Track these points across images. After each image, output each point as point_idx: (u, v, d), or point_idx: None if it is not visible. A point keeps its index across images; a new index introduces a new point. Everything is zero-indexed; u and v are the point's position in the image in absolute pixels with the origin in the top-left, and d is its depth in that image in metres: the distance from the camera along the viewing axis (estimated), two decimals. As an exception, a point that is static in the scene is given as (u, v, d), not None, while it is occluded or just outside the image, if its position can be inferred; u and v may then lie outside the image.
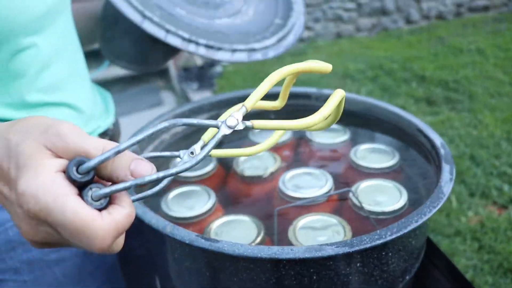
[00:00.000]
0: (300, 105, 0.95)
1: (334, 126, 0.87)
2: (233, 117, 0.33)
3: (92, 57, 0.96)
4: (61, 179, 0.32)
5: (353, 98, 0.88)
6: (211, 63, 4.44)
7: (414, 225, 0.51)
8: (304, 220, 0.62)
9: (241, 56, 0.84)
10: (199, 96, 3.74)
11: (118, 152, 0.31)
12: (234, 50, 0.82)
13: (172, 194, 0.71)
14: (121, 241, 0.37)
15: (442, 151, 0.67)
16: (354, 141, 0.85)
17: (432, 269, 0.74)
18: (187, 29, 0.79)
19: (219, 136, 0.33)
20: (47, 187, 0.31)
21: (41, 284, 0.71)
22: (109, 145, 0.34)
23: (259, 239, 0.60)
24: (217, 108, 0.94)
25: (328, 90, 0.92)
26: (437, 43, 4.51)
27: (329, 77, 3.81)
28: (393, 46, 4.44)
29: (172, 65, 4.29)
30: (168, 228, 0.54)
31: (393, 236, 0.50)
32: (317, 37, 4.95)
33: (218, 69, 4.33)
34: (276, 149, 0.83)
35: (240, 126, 0.33)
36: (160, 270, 0.72)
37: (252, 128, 0.34)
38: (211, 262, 0.55)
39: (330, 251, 0.48)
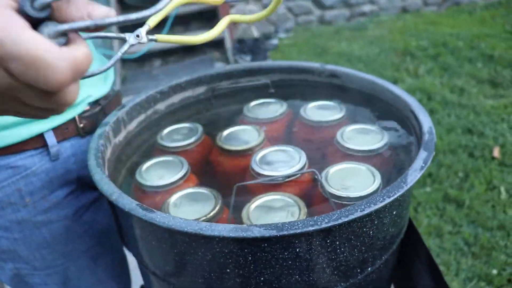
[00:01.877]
0: (302, 80, 0.90)
1: (330, 103, 0.82)
2: (138, 32, 0.40)
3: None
4: (14, 13, 0.30)
5: (353, 74, 0.82)
6: (268, 35, 4.39)
7: (358, 214, 0.47)
8: (263, 199, 0.59)
9: None
10: (250, 68, 3.72)
11: None
12: None
13: (148, 163, 0.71)
14: (76, 89, 0.34)
15: (426, 137, 0.61)
16: (349, 120, 0.80)
17: (416, 261, 0.69)
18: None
19: (126, 47, 0.40)
20: None
21: (31, 243, 0.76)
22: None
23: (212, 213, 0.58)
24: (217, 81, 0.92)
25: (332, 66, 0.86)
26: (514, 20, 4.11)
27: (387, 54, 3.62)
28: (463, 22, 4.11)
29: (228, 37, 4.29)
30: (114, 196, 0.54)
31: (330, 224, 0.46)
32: (380, 11, 4.70)
33: (274, 41, 4.27)
34: (264, 124, 0.80)
35: (145, 40, 0.41)
36: (125, 239, 0.73)
37: (156, 41, 0.42)
38: (154, 232, 0.55)
39: (256, 233, 0.45)
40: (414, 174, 0.53)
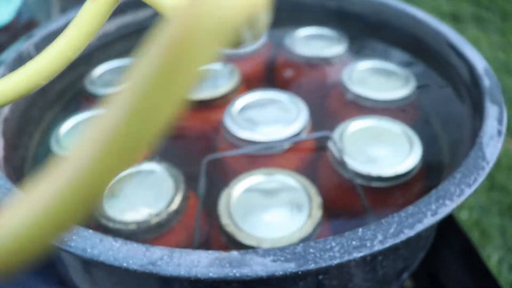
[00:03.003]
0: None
1: (325, 31, 0.60)
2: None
3: None
4: None
5: (357, -9, 0.60)
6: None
7: (429, 221, 0.28)
8: (249, 182, 0.38)
9: None
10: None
11: None
12: None
13: (70, 123, 0.48)
14: None
15: (486, 83, 0.41)
16: (353, 56, 0.59)
17: (445, 249, 0.53)
18: None
19: None
20: None
21: None
22: None
23: (170, 209, 0.37)
24: None
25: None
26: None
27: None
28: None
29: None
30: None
31: (387, 245, 0.26)
32: None
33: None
34: (238, 60, 0.57)
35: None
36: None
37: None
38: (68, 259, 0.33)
39: (260, 270, 0.25)
40: (492, 144, 0.34)
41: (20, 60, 0.51)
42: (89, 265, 0.32)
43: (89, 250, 0.26)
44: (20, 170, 0.45)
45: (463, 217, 1.35)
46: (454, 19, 2.89)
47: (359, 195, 0.37)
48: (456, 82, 0.48)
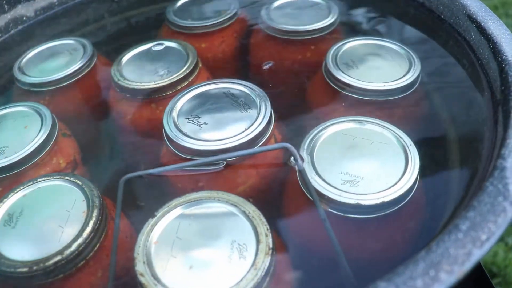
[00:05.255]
0: None
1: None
2: None
3: None
4: None
5: None
6: None
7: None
8: (178, 211, 0.28)
9: None
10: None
11: None
12: None
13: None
14: None
15: (515, 71, 0.29)
16: (344, 31, 0.47)
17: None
18: None
19: None
20: None
21: None
22: None
23: (70, 249, 0.27)
24: None
25: None
26: None
27: None
28: None
29: None
30: None
31: None
32: None
33: None
34: (198, 37, 0.47)
35: None
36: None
37: None
38: None
39: None
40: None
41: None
42: None
43: None
44: None
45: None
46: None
47: (327, 231, 0.27)
48: (472, 64, 0.36)
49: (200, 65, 0.42)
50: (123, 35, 0.55)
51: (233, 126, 0.32)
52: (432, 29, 0.42)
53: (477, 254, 0.19)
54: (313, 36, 0.44)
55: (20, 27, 0.52)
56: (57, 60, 0.45)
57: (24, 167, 0.35)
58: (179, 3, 0.51)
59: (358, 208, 0.27)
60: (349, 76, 0.37)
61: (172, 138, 0.32)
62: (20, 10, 0.51)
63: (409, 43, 0.41)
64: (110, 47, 0.51)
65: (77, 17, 0.55)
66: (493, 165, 0.23)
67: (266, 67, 0.45)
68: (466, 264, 0.19)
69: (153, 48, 0.43)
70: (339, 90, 0.37)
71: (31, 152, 0.35)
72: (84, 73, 0.44)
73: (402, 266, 0.19)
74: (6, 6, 0.50)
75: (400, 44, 0.40)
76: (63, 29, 0.53)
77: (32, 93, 0.43)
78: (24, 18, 0.52)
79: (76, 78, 0.44)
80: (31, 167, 0.35)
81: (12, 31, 0.51)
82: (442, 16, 0.41)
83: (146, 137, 0.40)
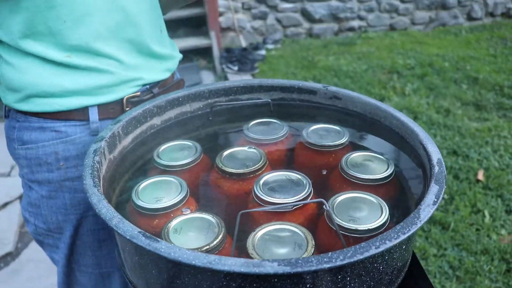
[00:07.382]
0: (305, 100, 0.89)
1: (334, 127, 0.81)
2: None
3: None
4: None
5: (357, 97, 0.81)
6: (255, 46, 4.39)
7: (373, 252, 0.46)
8: (268, 228, 0.57)
9: None
10: (238, 77, 3.71)
11: None
12: None
13: (145, 183, 0.68)
14: None
15: (436, 169, 0.59)
16: (352, 145, 0.78)
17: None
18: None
19: None
20: None
21: (52, 204, 0.83)
22: None
23: (215, 242, 0.56)
24: (216, 96, 0.90)
25: (335, 88, 0.85)
26: (498, 43, 4.22)
27: (374, 71, 3.66)
28: (448, 44, 4.20)
29: (215, 45, 4.26)
30: (114, 221, 0.51)
31: (345, 262, 0.44)
32: (368, 28, 4.76)
33: (261, 52, 4.27)
34: (266, 146, 0.78)
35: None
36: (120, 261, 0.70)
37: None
38: (155, 261, 0.52)
39: (269, 269, 0.43)
40: (427, 210, 0.52)
41: (113, 138, 0.74)
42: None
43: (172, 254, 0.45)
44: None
45: None
46: (477, 109, 3.06)
47: (341, 242, 0.55)
48: (423, 167, 0.67)
49: (268, 162, 0.73)
50: (212, 139, 0.87)
51: (292, 192, 0.62)
52: (399, 144, 0.74)
53: (402, 237, 0.47)
54: (334, 149, 0.75)
55: (152, 131, 0.84)
56: (181, 152, 0.77)
57: (172, 209, 0.64)
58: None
59: (356, 231, 0.56)
60: (354, 172, 0.67)
61: (259, 195, 0.62)
62: (153, 121, 0.84)
63: (386, 151, 0.72)
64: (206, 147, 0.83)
65: (184, 126, 0.88)
66: (426, 194, 0.52)
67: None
68: (397, 240, 0.47)
69: (247, 149, 0.75)
70: (348, 178, 0.67)
71: (177, 202, 0.64)
72: (197, 162, 0.75)
73: (370, 239, 0.47)
74: (148, 118, 0.83)
75: (384, 156, 0.71)
76: (177, 133, 0.85)
77: (164, 172, 0.74)
78: (155, 125, 0.85)
79: (192, 165, 0.75)
80: (173, 210, 0.65)
81: (148, 133, 0.84)
82: (405, 138, 0.72)
83: (235, 200, 0.70)
